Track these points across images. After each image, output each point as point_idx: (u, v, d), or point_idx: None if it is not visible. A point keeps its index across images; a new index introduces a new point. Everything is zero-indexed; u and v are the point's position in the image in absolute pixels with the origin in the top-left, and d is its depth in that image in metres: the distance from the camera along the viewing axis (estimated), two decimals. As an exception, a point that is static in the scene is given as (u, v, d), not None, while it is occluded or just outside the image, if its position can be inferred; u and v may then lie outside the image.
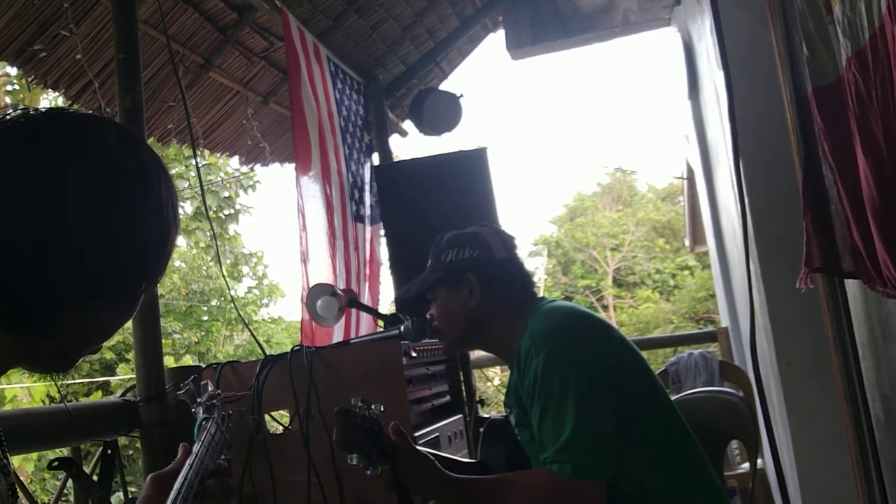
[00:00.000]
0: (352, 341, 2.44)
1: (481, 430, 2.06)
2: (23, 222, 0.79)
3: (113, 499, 2.11)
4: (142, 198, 0.87)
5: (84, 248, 0.81)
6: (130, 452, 6.17)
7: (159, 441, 2.06)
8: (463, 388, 2.75)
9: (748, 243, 2.65)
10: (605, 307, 16.95)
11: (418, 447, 1.67)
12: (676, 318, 15.29)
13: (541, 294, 1.91)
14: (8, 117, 0.84)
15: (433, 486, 1.64)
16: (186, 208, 10.98)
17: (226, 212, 11.84)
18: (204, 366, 2.25)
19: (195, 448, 1.11)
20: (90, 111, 2.94)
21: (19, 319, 0.81)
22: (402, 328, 2.14)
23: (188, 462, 1.07)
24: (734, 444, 3.27)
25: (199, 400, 1.48)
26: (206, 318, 13.03)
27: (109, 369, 10.61)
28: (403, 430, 1.63)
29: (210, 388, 1.49)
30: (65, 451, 3.24)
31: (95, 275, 0.83)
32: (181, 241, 11.52)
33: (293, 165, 3.16)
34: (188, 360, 10.94)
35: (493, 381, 7.65)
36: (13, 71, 6.59)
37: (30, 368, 0.89)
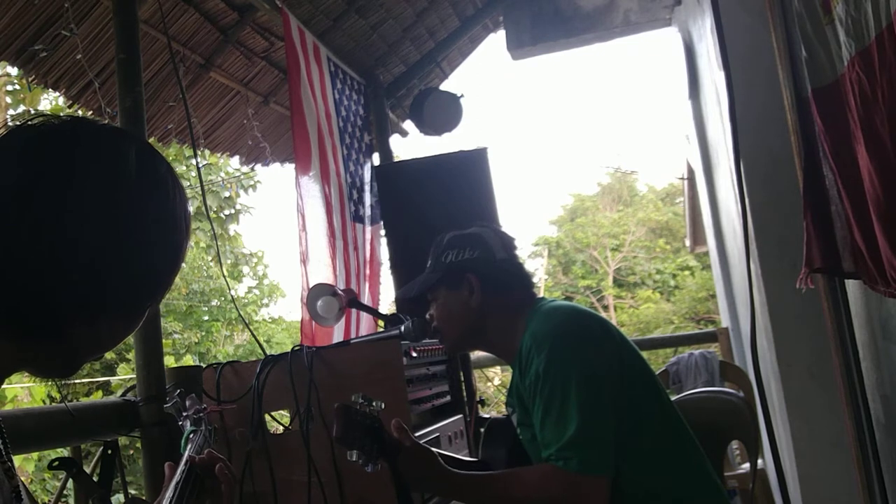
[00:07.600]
0: (352, 341, 2.44)
1: (482, 429, 2.06)
2: (32, 232, 0.77)
3: (113, 499, 2.11)
4: (157, 215, 0.84)
5: (95, 263, 0.79)
6: (131, 452, 6.17)
7: (160, 441, 2.06)
8: (463, 388, 2.75)
9: (748, 243, 2.65)
10: (606, 307, 16.94)
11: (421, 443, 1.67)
12: (677, 318, 15.29)
13: (541, 294, 1.91)
14: (29, 123, 0.81)
15: (436, 481, 1.64)
16: (187, 208, 10.96)
17: (226, 212, 11.85)
18: (204, 366, 2.24)
19: (183, 459, 1.13)
20: (91, 112, 2.96)
21: (25, 329, 0.79)
22: (403, 328, 2.14)
23: (178, 470, 1.08)
24: (734, 444, 3.27)
25: (185, 413, 1.50)
26: (206, 318, 13.03)
27: (110, 369, 10.61)
28: (405, 427, 1.63)
29: (196, 402, 1.51)
30: (65, 451, 3.24)
31: (105, 290, 0.81)
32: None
33: (293, 165, 3.17)
34: (188, 360, 10.93)
35: (493, 381, 7.65)
36: (13, 71, 6.60)
37: (31, 373, 0.87)
